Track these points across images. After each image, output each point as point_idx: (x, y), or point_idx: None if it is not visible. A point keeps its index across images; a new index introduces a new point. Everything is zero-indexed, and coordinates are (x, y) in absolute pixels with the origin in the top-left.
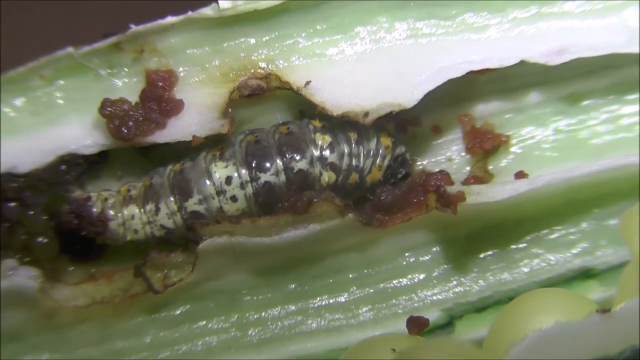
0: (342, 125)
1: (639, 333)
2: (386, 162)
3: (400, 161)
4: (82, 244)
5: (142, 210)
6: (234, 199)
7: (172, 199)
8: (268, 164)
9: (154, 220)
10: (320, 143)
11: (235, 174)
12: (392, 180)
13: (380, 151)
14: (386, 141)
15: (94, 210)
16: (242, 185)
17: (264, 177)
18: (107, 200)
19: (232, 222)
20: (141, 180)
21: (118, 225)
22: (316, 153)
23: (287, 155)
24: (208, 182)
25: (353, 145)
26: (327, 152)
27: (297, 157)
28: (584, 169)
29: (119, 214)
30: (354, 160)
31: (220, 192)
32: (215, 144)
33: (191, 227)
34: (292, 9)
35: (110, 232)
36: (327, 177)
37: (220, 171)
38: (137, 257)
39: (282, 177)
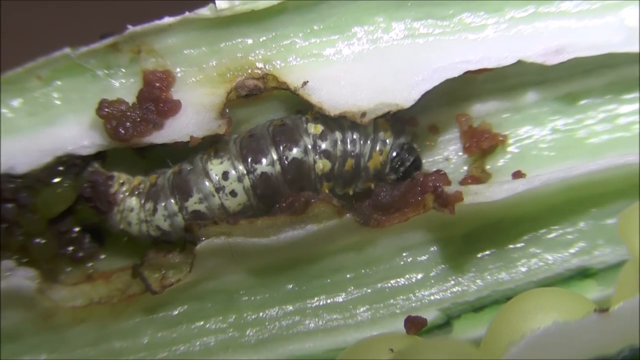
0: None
1: (638, 332)
2: (388, 146)
3: (407, 148)
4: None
5: (142, 206)
6: (233, 193)
7: (172, 200)
8: (262, 155)
9: (150, 220)
10: (312, 132)
11: (231, 169)
12: (402, 168)
13: (380, 134)
14: (384, 125)
15: (111, 190)
16: (240, 179)
17: (260, 169)
18: (122, 185)
19: (230, 223)
20: (149, 176)
21: (118, 212)
22: (309, 141)
23: (281, 145)
24: (206, 181)
25: (346, 131)
26: (320, 140)
27: (291, 147)
28: (581, 169)
29: (123, 202)
30: (348, 145)
31: (219, 189)
32: (212, 144)
33: (189, 228)
34: (289, 9)
35: (111, 217)
36: (322, 164)
37: (216, 168)
38: (135, 258)
39: (277, 167)
